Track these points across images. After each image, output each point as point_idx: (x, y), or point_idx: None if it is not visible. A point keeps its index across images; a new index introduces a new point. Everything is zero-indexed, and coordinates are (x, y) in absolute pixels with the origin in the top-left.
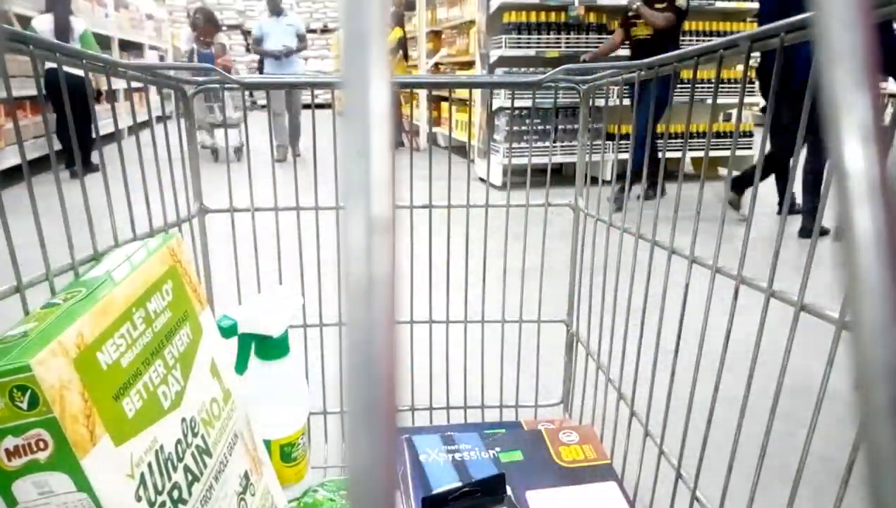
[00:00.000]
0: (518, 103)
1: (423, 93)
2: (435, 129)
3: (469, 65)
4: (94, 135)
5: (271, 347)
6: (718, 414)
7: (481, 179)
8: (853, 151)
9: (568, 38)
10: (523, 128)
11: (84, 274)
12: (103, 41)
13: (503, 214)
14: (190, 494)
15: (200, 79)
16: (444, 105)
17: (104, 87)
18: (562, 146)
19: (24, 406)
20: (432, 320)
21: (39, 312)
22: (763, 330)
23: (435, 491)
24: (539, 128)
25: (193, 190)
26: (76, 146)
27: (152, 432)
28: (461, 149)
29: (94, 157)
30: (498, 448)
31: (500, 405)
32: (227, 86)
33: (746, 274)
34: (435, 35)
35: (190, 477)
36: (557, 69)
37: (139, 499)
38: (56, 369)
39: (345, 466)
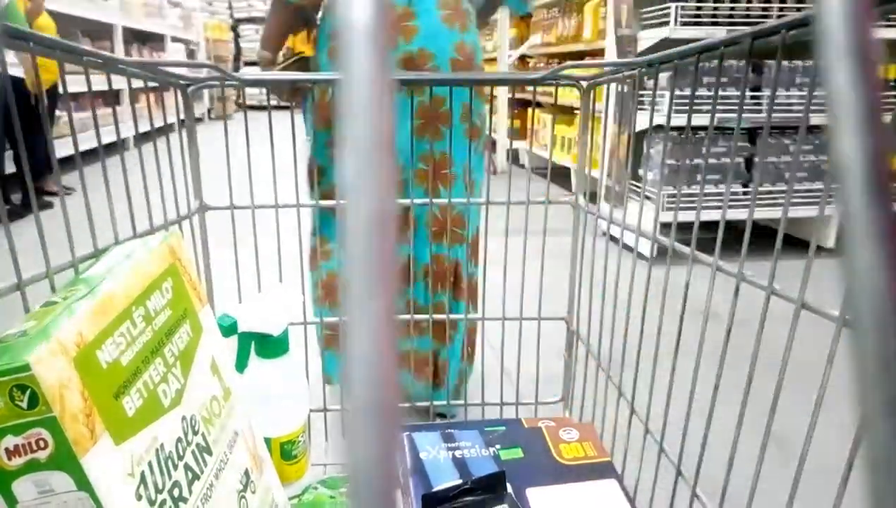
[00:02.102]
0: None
1: (502, 94)
2: (516, 144)
3: (581, 55)
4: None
5: (271, 345)
6: (718, 412)
7: (612, 238)
8: (853, 150)
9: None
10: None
11: (84, 271)
12: (102, 29)
13: (503, 212)
14: (190, 492)
15: (201, 76)
16: (536, 113)
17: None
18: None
19: (24, 405)
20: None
21: (39, 310)
22: (763, 329)
23: (435, 489)
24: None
25: (194, 187)
26: (76, 146)
27: (153, 430)
28: (563, 175)
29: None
30: (498, 446)
31: (500, 402)
32: (227, 83)
33: (747, 272)
34: (520, 19)
35: (190, 476)
36: (559, 66)
37: (140, 498)
38: (56, 368)
39: (345, 464)
